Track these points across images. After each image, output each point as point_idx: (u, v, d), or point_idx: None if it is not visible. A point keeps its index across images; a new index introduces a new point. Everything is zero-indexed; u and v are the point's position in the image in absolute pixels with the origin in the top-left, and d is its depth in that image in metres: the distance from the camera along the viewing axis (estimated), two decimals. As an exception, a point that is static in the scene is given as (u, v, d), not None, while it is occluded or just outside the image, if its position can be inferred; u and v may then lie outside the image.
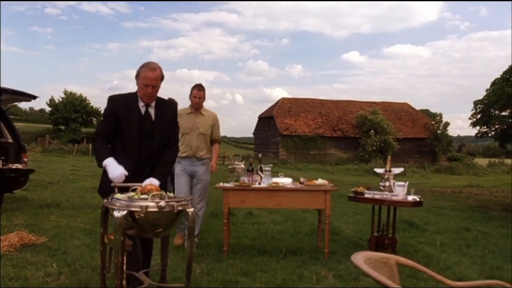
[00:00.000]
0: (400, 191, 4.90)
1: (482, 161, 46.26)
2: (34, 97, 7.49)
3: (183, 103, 5.42)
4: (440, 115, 43.62)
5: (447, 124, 42.75)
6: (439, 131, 41.98)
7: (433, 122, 42.49)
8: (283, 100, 41.50)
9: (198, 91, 5.24)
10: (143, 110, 3.27)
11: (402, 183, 4.95)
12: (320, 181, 4.93)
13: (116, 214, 2.77)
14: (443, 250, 5.65)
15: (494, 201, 18.65)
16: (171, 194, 3.03)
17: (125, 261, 2.90)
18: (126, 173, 3.07)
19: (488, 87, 15.77)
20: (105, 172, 3.16)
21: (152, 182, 3.13)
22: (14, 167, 6.91)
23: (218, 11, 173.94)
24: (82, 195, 9.32)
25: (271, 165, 5.20)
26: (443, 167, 38.10)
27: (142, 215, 2.78)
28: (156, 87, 3.23)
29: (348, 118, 40.39)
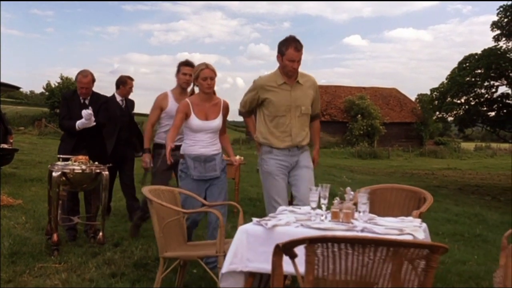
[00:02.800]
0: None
1: (471, 145, 47.46)
2: (18, 88, 8.85)
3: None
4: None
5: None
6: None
7: (419, 107, 43.57)
8: (273, 85, 42.67)
9: (296, 50, 3.60)
10: (82, 100, 4.91)
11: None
12: (236, 157, 6.33)
13: (54, 174, 4.25)
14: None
15: (459, 182, 19.69)
16: (97, 163, 4.47)
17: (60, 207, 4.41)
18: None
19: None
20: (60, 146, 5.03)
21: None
22: (0, 146, 8.32)
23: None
24: (64, 172, 10.70)
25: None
26: (427, 150, 39.41)
27: (71, 175, 4.27)
28: (88, 88, 4.85)
29: (336, 103, 41.60)
